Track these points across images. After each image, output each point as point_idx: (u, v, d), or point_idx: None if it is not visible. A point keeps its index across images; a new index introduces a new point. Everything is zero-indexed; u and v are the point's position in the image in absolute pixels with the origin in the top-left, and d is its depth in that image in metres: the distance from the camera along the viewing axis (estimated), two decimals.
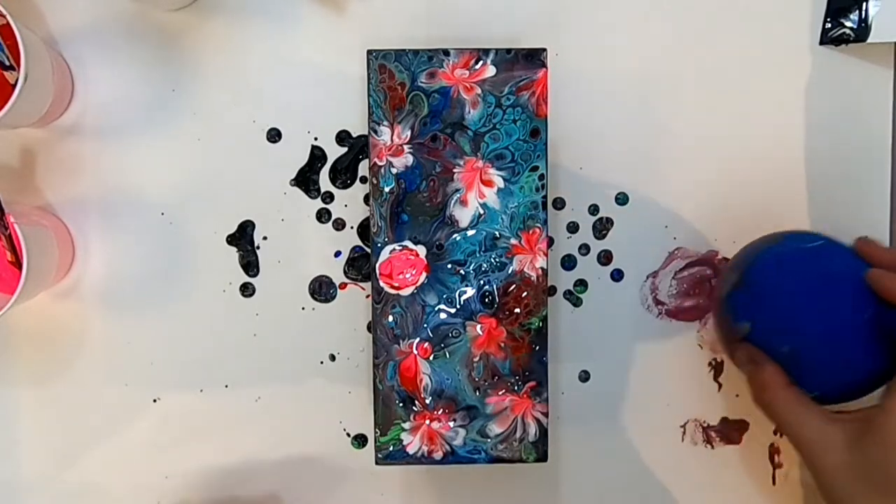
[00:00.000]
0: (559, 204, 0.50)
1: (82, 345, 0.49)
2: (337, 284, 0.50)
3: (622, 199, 0.50)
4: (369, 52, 0.44)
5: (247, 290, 0.50)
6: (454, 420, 0.45)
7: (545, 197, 0.45)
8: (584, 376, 0.50)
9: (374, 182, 0.45)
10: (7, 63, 0.43)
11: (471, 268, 0.45)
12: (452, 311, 0.45)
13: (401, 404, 0.45)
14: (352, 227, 0.50)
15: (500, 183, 0.45)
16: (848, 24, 0.49)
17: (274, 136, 0.49)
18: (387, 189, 0.45)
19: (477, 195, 0.45)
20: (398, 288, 0.45)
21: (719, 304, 0.44)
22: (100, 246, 0.49)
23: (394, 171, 0.45)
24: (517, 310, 0.45)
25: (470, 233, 0.45)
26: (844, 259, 0.41)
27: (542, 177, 0.45)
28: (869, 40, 0.48)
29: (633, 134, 0.50)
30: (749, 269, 0.42)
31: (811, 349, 0.40)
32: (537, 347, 0.45)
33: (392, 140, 0.45)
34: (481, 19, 0.49)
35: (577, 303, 0.50)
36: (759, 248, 0.43)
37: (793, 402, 0.39)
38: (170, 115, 0.49)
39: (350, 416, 0.50)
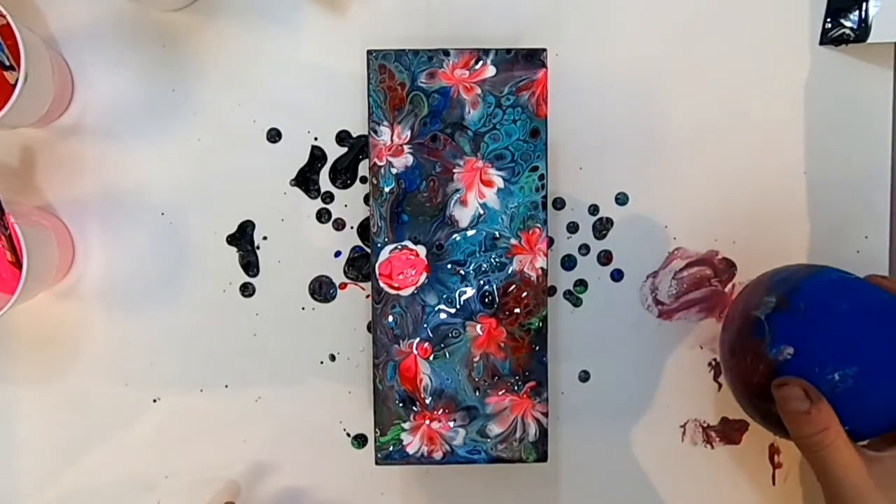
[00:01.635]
0: (559, 204, 0.50)
1: (82, 345, 0.49)
2: (337, 284, 0.50)
3: (622, 199, 0.50)
4: (369, 52, 0.44)
5: (247, 290, 0.50)
6: (454, 420, 0.45)
7: (545, 197, 0.45)
8: (584, 376, 0.50)
9: (374, 182, 0.45)
10: (7, 63, 0.43)
11: (471, 268, 0.45)
12: (452, 311, 0.45)
13: (401, 404, 0.45)
14: (352, 227, 0.50)
15: (500, 183, 0.45)
16: (848, 24, 0.49)
17: (274, 136, 0.49)
18: (387, 189, 0.45)
19: (477, 195, 0.45)
20: (398, 288, 0.45)
21: (751, 325, 0.41)
22: (100, 246, 0.49)
23: (394, 171, 0.45)
24: (517, 310, 0.45)
25: (470, 233, 0.45)
26: (885, 293, 0.40)
27: (542, 177, 0.45)
28: (869, 40, 0.48)
29: (633, 134, 0.50)
30: (796, 292, 0.40)
31: (867, 379, 0.38)
32: (537, 347, 0.45)
33: (392, 140, 0.45)
34: (481, 19, 0.49)
35: (577, 303, 0.50)
36: (801, 272, 0.42)
37: (845, 446, 0.37)
38: (170, 115, 0.49)
39: (350, 416, 0.50)
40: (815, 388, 0.38)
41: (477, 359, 0.45)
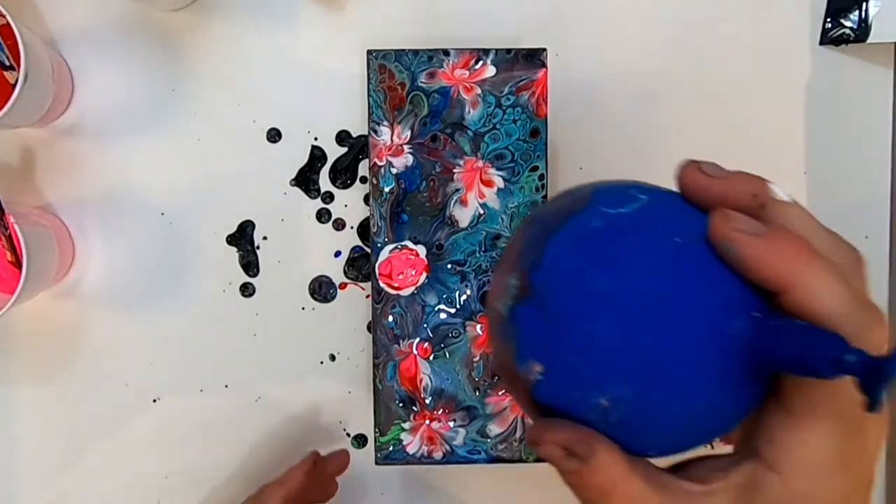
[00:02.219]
0: None
1: (82, 345, 0.49)
2: (337, 284, 0.50)
3: None
4: (369, 52, 0.44)
5: (247, 290, 0.50)
6: (454, 420, 0.45)
7: (545, 197, 0.45)
8: None
9: (374, 182, 0.45)
10: (7, 63, 0.43)
11: (471, 268, 0.45)
12: (452, 311, 0.45)
13: (401, 404, 0.45)
14: (352, 227, 0.50)
15: (499, 183, 0.45)
16: (848, 24, 0.49)
17: (274, 136, 0.49)
18: (387, 189, 0.45)
19: (477, 195, 0.45)
20: (398, 288, 0.45)
21: (497, 322, 0.26)
22: (100, 246, 0.49)
23: (394, 171, 0.45)
24: None
25: (470, 233, 0.45)
26: (688, 222, 0.24)
27: (542, 177, 0.45)
28: (869, 40, 0.48)
29: (633, 134, 0.50)
30: (538, 266, 0.25)
31: (651, 397, 0.23)
32: None
33: (392, 140, 0.45)
34: (481, 19, 0.49)
35: None
36: (556, 221, 0.26)
37: (649, 495, 0.24)
38: (170, 115, 0.49)
39: (350, 416, 0.50)
40: (583, 425, 0.24)
41: (477, 359, 0.45)
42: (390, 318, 0.45)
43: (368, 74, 0.44)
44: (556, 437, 0.25)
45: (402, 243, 0.45)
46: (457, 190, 0.45)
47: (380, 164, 0.45)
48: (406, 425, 0.45)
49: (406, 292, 0.45)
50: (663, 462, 0.26)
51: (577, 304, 0.24)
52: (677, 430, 0.25)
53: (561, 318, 0.24)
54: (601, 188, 0.26)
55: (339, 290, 0.50)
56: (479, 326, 0.45)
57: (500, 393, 0.45)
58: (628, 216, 0.25)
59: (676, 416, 0.24)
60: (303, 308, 0.50)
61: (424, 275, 0.45)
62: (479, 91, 0.44)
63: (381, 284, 0.45)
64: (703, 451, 0.26)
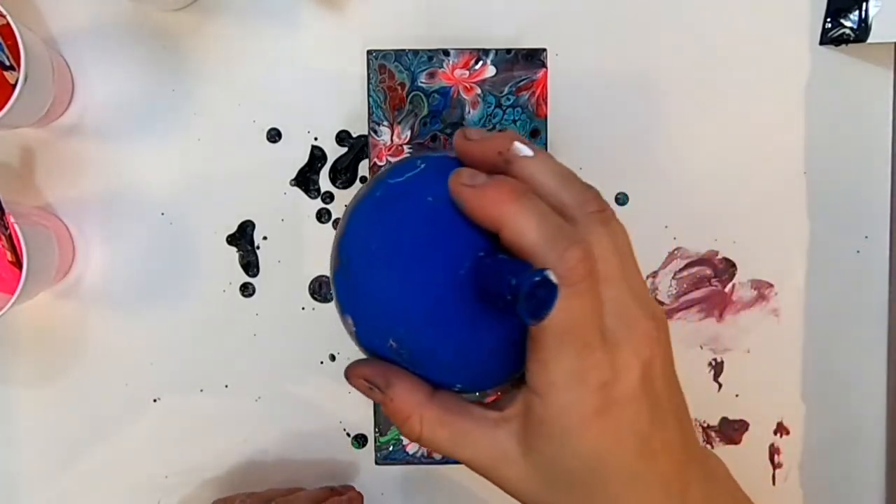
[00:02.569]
0: None
1: (82, 345, 0.49)
2: None
3: (622, 199, 0.50)
4: (369, 52, 0.44)
5: (247, 290, 0.50)
6: None
7: None
8: None
9: None
10: (7, 63, 0.43)
11: None
12: None
13: None
14: None
15: None
16: (848, 24, 0.49)
17: (274, 136, 0.49)
18: None
19: None
20: None
21: (331, 289, 0.33)
22: (100, 246, 0.49)
23: None
24: None
25: None
26: (446, 184, 0.28)
27: None
28: (869, 40, 0.48)
29: (633, 134, 0.50)
30: (343, 234, 0.30)
31: (418, 335, 0.28)
32: None
33: (392, 140, 0.45)
34: (481, 19, 0.49)
35: None
36: (358, 196, 0.31)
37: (448, 420, 0.29)
38: (170, 115, 0.49)
39: (350, 416, 0.50)
40: (386, 363, 0.29)
41: None
42: None
43: (368, 74, 0.44)
44: (358, 372, 0.30)
45: None
46: None
47: (380, 164, 0.45)
48: None
49: None
50: None
51: (361, 265, 0.29)
52: (458, 364, 0.29)
53: (354, 278, 0.29)
54: (399, 163, 0.31)
55: None
56: None
57: (500, 392, 0.45)
58: (401, 184, 0.29)
59: (447, 351, 0.28)
60: (303, 308, 0.50)
61: None
62: (479, 91, 0.44)
63: None
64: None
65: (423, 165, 0.30)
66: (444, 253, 0.28)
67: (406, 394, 0.29)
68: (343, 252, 0.30)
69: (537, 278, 0.24)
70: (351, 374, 0.30)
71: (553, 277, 0.24)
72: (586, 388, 0.27)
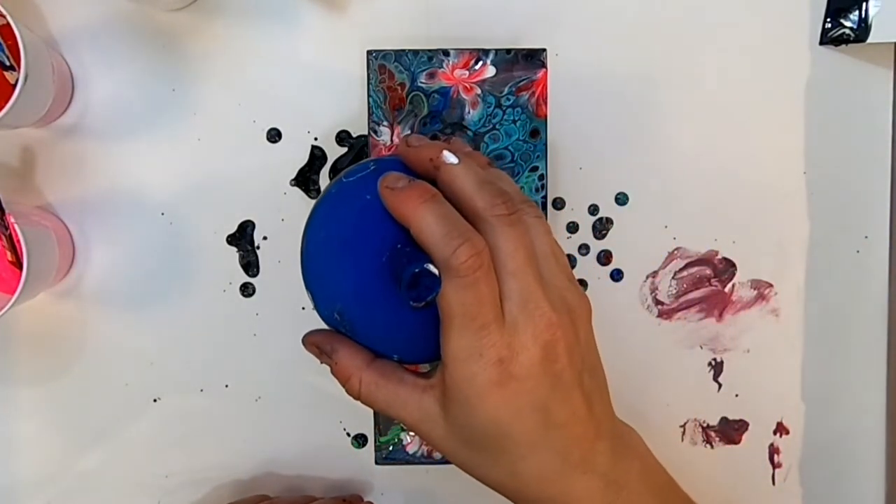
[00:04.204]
0: (559, 204, 0.50)
1: (82, 345, 0.49)
2: None
3: (622, 199, 0.50)
4: (369, 52, 0.44)
5: (247, 290, 0.50)
6: None
7: (545, 197, 0.45)
8: None
9: None
10: (7, 63, 0.43)
11: None
12: None
13: None
14: None
15: None
16: (848, 24, 0.49)
17: (274, 136, 0.49)
18: None
19: None
20: None
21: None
22: (100, 246, 0.49)
23: None
24: None
25: None
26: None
27: (541, 177, 0.45)
28: (869, 40, 0.48)
29: (633, 134, 0.50)
30: (307, 227, 0.36)
31: (351, 311, 0.34)
32: None
33: (392, 140, 0.45)
34: (481, 19, 0.49)
35: None
36: (323, 192, 0.37)
37: (383, 383, 0.34)
38: (170, 115, 0.49)
39: (350, 416, 0.50)
40: (334, 332, 0.35)
41: None
42: None
43: (368, 74, 0.44)
44: (311, 339, 0.35)
45: None
46: None
47: None
48: None
49: None
50: None
51: (314, 249, 0.34)
52: (387, 338, 0.34)
53: (309, 261, 0.35)
54: (357, 163, 0.36)
55: None
56: None
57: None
58: (350, 182, 0.34)
59: (376, 326, 0.34)
60: (303, 308, 0.50)
61: None
62: (478, 91, 0.44)
63: None
64: None
65: (373, 167, 0.34)
66: (371, 243, 0.33)
67: (347, 359, 0.34)
68: (304, 238, 0.35)
69: (416, 269, 0.31)
70: (305, 340, 0.36)
71: (433, 269, 0.31)
72: (483, 363, 0.31)
